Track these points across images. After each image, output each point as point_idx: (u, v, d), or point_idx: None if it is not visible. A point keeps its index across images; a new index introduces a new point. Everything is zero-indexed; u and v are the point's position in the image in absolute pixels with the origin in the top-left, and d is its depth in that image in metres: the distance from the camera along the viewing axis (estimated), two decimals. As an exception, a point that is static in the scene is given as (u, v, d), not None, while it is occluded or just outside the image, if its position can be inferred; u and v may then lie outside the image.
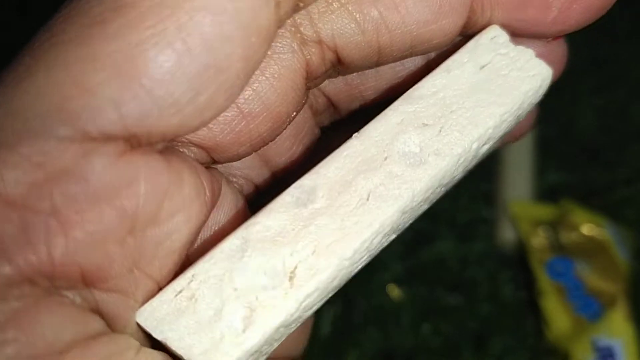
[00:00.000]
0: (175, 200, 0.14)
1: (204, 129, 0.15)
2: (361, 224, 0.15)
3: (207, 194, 0.15)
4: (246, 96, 0.15)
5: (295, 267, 0.14)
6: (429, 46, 0.17)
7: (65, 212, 0.13)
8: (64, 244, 0.13)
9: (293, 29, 0.16)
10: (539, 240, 0.48)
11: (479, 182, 0.51)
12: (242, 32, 0.14)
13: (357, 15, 0.16)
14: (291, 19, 0.16)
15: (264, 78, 0.16)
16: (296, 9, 0.15)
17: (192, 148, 0.16)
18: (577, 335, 0.45)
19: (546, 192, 0.50)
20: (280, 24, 0.15)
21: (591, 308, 0.46)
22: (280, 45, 0.16)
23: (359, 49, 0.16)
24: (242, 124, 0.16)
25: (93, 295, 0.14)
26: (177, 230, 0.14)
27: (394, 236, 0.16)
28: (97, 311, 0.14)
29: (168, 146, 0.15)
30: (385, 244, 0.16)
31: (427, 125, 0.16)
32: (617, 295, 0.46)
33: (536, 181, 0.50)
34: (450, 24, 0.17)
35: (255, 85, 0.15)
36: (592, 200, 0.49)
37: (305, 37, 0.16)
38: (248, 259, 0.14)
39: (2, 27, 0.49)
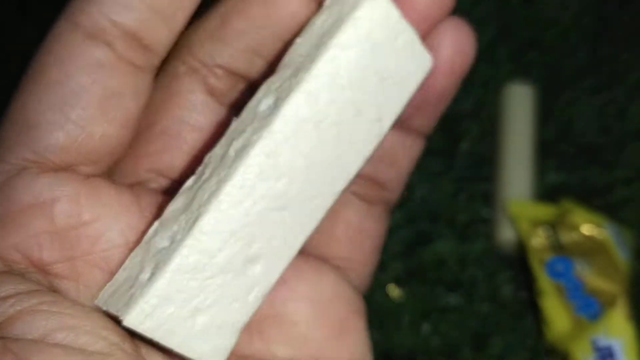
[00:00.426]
0: (94, 206, 0.18)
1: (162, 154, 0.20)
2: (229, 173, 0.18)
3: (143, 204, 0.19)
4: (164, 122, 0.20)
5: (185, 223, 0.18)
6: (293, 28, 0.19)
7: (5, 212, 0.18)
8: (4, 237, 0.17)
9: (180, 61, 0.20)
10: (538, 240, 0.48)
11: (479, 182, 0.51)
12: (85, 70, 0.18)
13: (221, 36, 0.19)
14: (181, 53, 0.20)
15: (173, 104, 0.20)
16: (139, 44, 0.18)
17: (158, 179, 0.20)
18: (577, 335, 0.46)
19: (546, 192, 0.50)
20: (121, 58, 0.18)
21: (591, 308, 0.46)
22: (175, 73, 0.20)
23: (238, 59, 0.19)
24: (174, 143, 0.20)
25: (47, 279, 0.17)
26: (107, 230, 0.18)
27: (285, 180, 0.18)
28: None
29: (133, 182, 0.20)
30: (276, 185, 0.18)
31: (281, 86, 0.18)
32: (617, 295, 0.46)
33: (536, 181, 0.50)
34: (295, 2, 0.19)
35: (170, 109, 0.20)
36: (592, 200, 0.49)
37: (193, 65, 0.20)
38: (159, 234, 0.18)
39: (2, 27, 0.49)
